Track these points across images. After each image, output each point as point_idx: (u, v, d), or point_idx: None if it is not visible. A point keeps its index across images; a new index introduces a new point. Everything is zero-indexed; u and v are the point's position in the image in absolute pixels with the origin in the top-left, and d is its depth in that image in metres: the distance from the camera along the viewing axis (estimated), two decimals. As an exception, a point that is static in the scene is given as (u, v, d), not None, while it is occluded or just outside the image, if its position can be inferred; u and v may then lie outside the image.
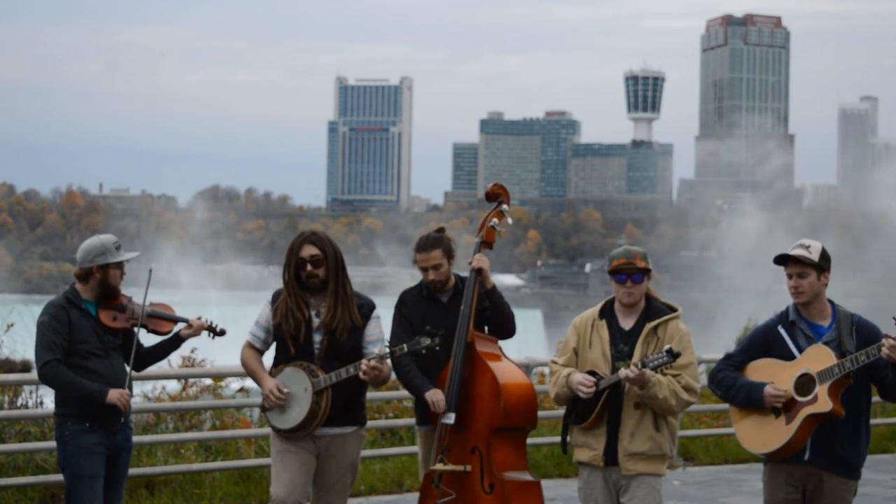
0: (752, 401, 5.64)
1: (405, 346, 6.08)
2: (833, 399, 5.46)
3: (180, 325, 6.33)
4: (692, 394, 5.88)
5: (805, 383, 5.54)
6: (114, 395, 5.98)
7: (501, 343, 6.61)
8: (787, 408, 5.57)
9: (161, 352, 6.37)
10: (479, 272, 6.41)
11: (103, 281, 6.11)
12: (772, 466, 5.76)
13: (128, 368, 6.18)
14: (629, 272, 5.95)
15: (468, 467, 6.20)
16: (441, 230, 6.68)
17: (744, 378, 5.72)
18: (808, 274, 5.66)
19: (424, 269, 6.54)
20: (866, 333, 5.62)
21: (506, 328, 6.54)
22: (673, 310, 6.02)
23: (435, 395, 6.29)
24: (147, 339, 6.38)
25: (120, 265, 6.15)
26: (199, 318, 6.38)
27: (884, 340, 5.36)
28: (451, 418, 6.23)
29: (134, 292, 6.34)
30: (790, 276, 5.69)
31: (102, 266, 6.10)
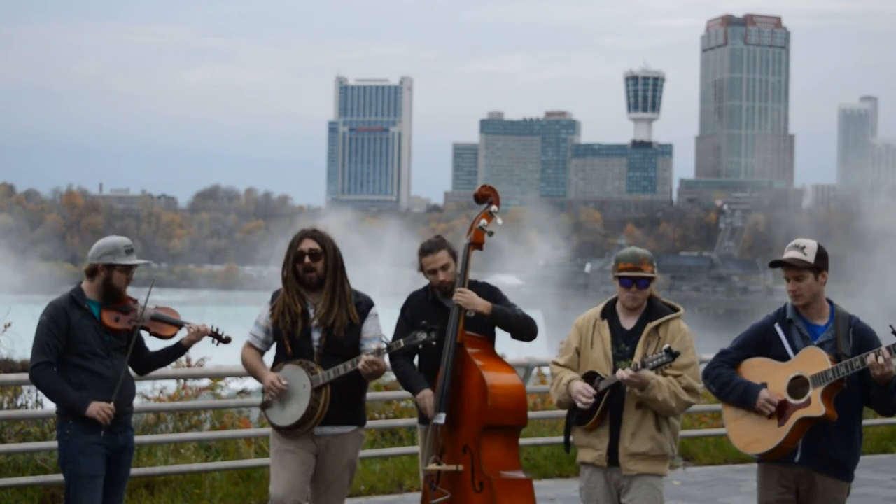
0: (745, 401, 5.62)
1: (402, 341, 6.11)
2: (826, 403, 5.44)
3: (184, 330, 6.32)
4: (693, 394, 5.87)
5: (798, 386, 5.52)
6: (94, 408, 5.93)
7: (515, 343, 6.68)
8: (780, 409, 5.56)
9: (165, 357, 6.36)
10: (465, 279, 6.45)
11: (107, 281, 6.10)
12: (765, 467, 5.75)
13: (130, 370, 6.18)
14: (635, 278, 5.94)
15: (460, 467, 6.23)
16: (439, 237, 6.73)
17: (740, 377, 5.70)
18: (805, 276, 5.62)
19: (433, 272, 6.54)
20: (863, 337, 5.58)
21: (523, 336, 6.54)
22: (674, 309, 6.01)
23: (424, 400, 6.35)
24: (152, 343, 6.37)
25: (126, 269, 6.13)
26: (204, 325, 6.37)
27: (872, 352, 5.34)
28: (441, 418, 6.27)
29: (137, 293, 6.33)
30: (788, 280, 5.66)
31: (108, 265, 6.09)
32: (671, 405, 5.80)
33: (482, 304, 6.39)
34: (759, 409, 5.56)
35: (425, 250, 6.60)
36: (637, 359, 5.82)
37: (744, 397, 5.62)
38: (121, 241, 6.16)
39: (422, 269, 6.63)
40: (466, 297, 6.37)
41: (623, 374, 5.73)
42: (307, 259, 6.16)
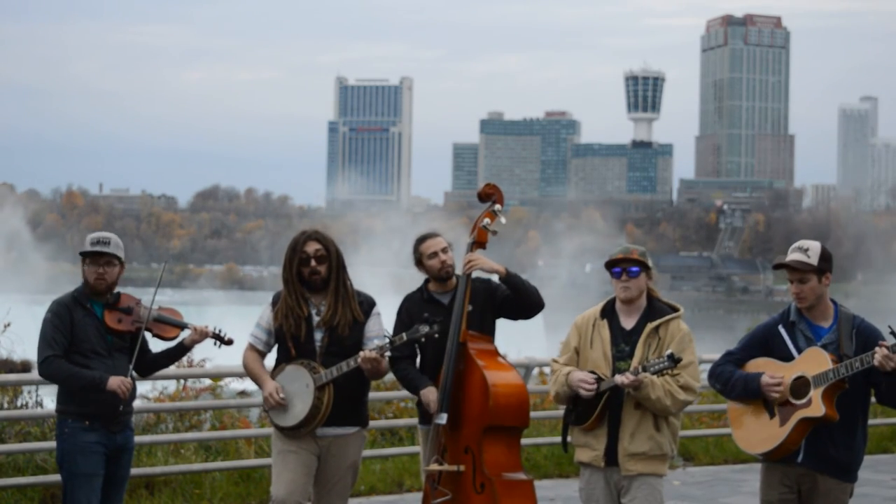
0: (749, 391, 5.62)
1: (404, 335, 6.09)
2: (827, 404, 5.44)
3: (186, 332, 6.31)
4: (690, 392, 5.86)
5: (800, 386, 5.52)
6: (114, 381, 5.95)
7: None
8: (783, 409, 5.56)
9: (167, 358, 6.36)
10: (468, 276, 6.43)
11: (84, 275, 6.12)
12: (767, 466, 5.76)
13: (132, 371, 6.18)
14: (624, 265, 5.94)
15: (461, 467, 6.21)
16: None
17: (741, 371, 5.71)
18: (809, 279, 5.61)
19: (434, 255, 6.53)
20: (866, 337, 5.57)
21: (532, 305, 6.49)
22: (675, 309, 6.00)
23: (429, 395, 6.34)
24: (154, 344, 6.36)
25: (95, 262, 6.09)
26: (206, 326, 6.35)
27: (876, 349, 5.33)
28: (442, 419, 6.25)
29: (140, 293, 6.32)
30: (791, 282, 5.65)
31: (82, 259, 6.11)
32: (665, 403, 5.79)
33: (496, 265, 6.40)
34: (767, 394, 5.56)
35: (423, 237, 6.62)
36: (636, 359, 5.82)
37: (746, 388, 5.63)
38: (94, 234, 6.19)
39: (420, 260, 6.61)
40: (478, 259, 6.38)
41: (623, 379, 5.73)
42: (313, 262, 6.15)
